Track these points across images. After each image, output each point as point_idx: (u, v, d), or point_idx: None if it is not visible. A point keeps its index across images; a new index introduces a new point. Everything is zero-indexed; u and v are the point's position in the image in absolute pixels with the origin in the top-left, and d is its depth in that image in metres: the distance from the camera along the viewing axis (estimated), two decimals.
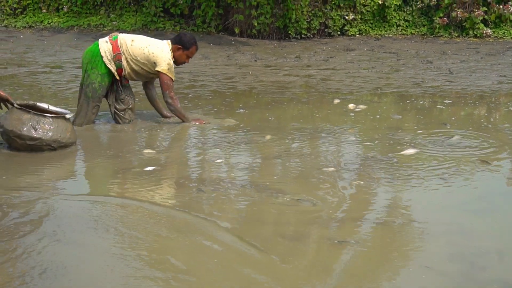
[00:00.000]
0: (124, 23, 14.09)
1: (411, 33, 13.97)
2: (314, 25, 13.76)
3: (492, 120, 6.16)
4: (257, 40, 13.39)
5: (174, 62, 5.49)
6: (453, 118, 6.16)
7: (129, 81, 5.62)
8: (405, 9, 14.21)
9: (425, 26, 14.06)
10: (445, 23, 13.63)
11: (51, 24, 14.81)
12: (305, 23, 13.57)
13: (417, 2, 14.06)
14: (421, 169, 4.24)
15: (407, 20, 14.21)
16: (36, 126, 4.50)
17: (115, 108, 5.60)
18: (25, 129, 4.47)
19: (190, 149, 4.88)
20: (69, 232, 3.03)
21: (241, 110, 6.42)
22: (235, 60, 10.98)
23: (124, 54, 5.38)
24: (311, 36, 13.83)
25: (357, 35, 13.96)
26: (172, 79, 5.44)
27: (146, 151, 4.69)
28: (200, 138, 5.19)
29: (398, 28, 14.10)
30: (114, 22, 14.23)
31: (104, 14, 14.72)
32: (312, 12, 13.72)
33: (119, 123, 5.59)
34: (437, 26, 13.72)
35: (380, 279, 2.64)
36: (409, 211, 3.47)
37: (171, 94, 5.43)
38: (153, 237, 3.01)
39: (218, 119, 5.87)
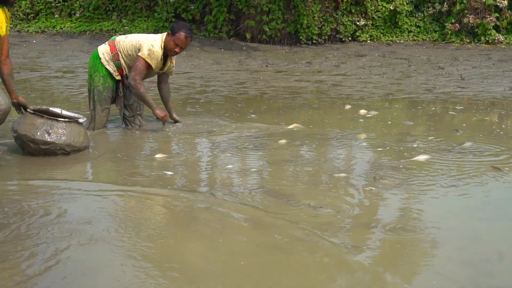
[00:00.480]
0: (136, 28, 14.18)
1: (422, 39, 13.95)
2: (325, 31, 13.78)
3: (504, 126, 6.14)
4: (268, 46, 13.43)
5: (165, 50, 5.39)
6: (464, 125, 6.15)
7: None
8: (417, 15, 14.20)
9: (437, 32, 14.04)
10: (457, 29, 13.60)
11: (63, 29, 14.94)
12: (316, 28, 13.59)
13: (428, 8, 14.05)
14: (433, 175, 4.23)
15: (418, 26, 14.20)
16: (50, 131, 4.54)
17: (124, 114, 5.65)
18: (38, 133, 4.51)
19: (202, 154, 4.90)
20: (88, 232, 3.06)
21: (252, 116, 6.44)
22: (246, 65, 11.02)
23: (120, 52, 5.44)
24: (322, 41, 13.85)
25: (368, 41, 13.97)
26: (147, 65, 5.33)
27: (158, 155, 4.71)
28: (212, 142, 5.20)
29: (409, 34, 14.09)
30: (126, 27, 14.32)
31: (116, 19, 14.83)
32: (323, 17, 13.74)
33: (130, 126, 5.63)
34: (449, 32, 13.70)
35: (391, 285, 2.64)
36: (420, 217, 3.46)
37: (136, 77, 5.31)
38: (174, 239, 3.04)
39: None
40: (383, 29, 14.19)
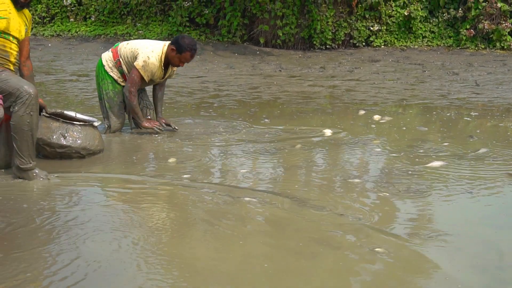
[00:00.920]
0: (150, 32, 14.26)
1: (437, 44, 13.90)
2: (339, 36, 13.77)
3: None
4: (282, 50, 13.44)
5: (168, 62, 5.42)
6: (479, 131, 6.12)
7: (145, 88, 5.67)
8: (431, 21, 14.16)
9: (451, 38, 13.98)
10: (472, 35, 13.54)
11: (78, 32, 15.05)
12: (330, 33, 13.59)
13: (443, 13, 14.00)
14: (447, 182, 4.21)
15: (433, 32, 14.15)
16: (66, 134, 4.57)
17: (133, 119, 5.67)
18: (54, 137, 4.54)
19: (214, 158, 4.90)
20: (105, 233, 3.08)
21: (266, 120, 6.45)
22: (260, 70, 11.04)
23: (122, 59, 5.46)
24: (336, 46, 13.85)
25: (382, 46, 13.94)
26: (141, 77, 5.35)
27: (171, 159, 4.73)
28: (223, 146, 5.21)
29: (423, 39, 14.04)
30: (140, 31, 14.41)
31: (130, 23, 14.91)
32: (337, 22, 13.74)
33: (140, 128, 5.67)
34: (464, 37, 13.64)
35: None
36: (434, 224, 3.45)
37: (131, 89, 5.35)
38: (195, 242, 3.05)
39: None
40: (397, 35, 14.15)
